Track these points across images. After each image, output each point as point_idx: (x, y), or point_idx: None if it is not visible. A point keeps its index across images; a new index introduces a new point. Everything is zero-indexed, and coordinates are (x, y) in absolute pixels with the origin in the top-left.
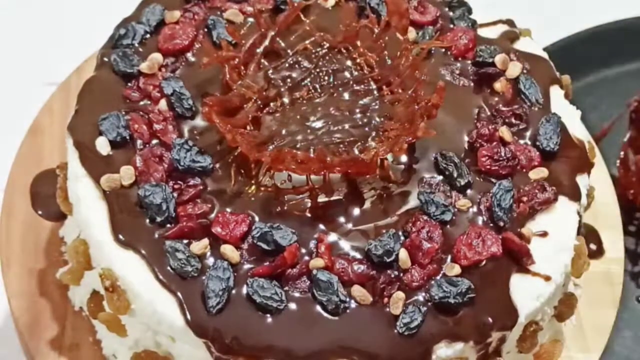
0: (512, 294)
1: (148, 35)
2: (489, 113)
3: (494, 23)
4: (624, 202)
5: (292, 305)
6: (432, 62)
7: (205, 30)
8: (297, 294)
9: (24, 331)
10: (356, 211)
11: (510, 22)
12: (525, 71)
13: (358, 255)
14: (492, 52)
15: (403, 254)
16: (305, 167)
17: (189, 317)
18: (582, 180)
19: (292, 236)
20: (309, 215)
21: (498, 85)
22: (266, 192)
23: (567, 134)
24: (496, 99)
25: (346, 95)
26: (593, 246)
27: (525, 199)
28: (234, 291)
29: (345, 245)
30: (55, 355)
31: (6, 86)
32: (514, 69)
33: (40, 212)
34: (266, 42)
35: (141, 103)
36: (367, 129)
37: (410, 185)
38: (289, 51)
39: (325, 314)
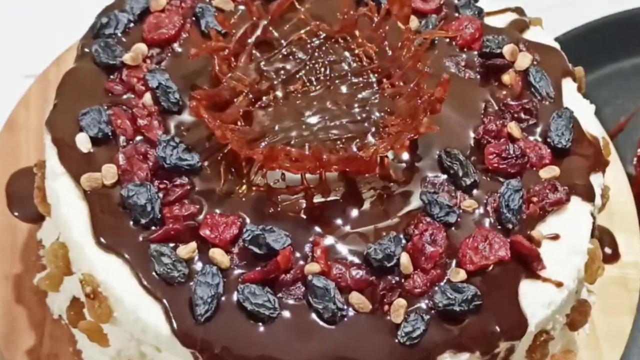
0: (522, 301)
1: (132, 25)
2: (496, 107)
3: (502, 11)
4: None
5: (286, 313)
6: (435, 53)
7: (193, 18)
8: (291, 301)
9: None
10: (354, 212)
11: (519, 10)
12: (535, 63)
13: (356, 260)
14: (500, 43)
15: (404, 259)
16: (300, 166)
17: (175, 325)
18: (596, 179)
19: (285, 239)
20: (303, 216)
21: (506, 78)
22: (258, 192)
23: (580, 130)
24: (504, 92)
25: (344, 89)
26: (608, 250)
27: (535, 199)
28: (223, 298)
29: (342, 249)
30: None
31: None
32: (524, 60)
33: (16, 214)
34: (258, 32)
35: (124, 97)
36: (366, 124)
37: (412, 184)
38: (282, 41)
39: (321, 323)
